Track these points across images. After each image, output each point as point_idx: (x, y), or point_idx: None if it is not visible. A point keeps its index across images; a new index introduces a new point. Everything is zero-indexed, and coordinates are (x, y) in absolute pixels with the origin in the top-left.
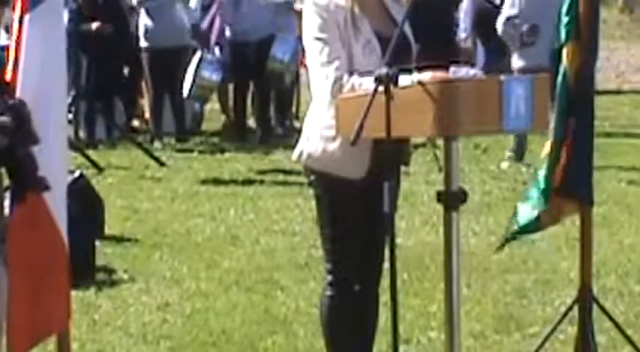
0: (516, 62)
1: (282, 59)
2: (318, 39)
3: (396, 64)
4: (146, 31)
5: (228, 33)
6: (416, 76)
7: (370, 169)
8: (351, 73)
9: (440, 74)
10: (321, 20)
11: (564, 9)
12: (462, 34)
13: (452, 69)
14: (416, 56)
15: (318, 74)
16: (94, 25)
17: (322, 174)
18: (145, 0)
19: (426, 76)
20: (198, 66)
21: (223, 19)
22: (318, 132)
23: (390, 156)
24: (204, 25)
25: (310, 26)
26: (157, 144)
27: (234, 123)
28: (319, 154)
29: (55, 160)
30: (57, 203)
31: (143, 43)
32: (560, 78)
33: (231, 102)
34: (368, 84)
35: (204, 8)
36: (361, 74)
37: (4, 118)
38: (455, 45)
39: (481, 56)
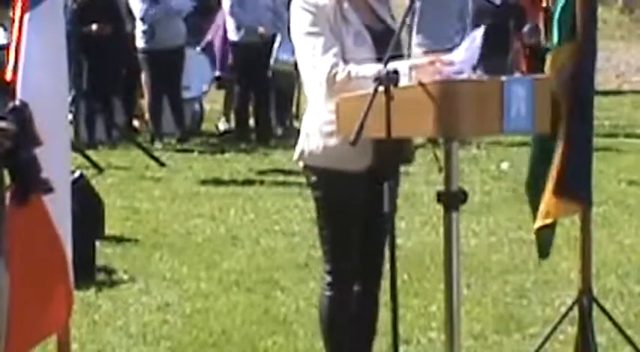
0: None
1: (288, 60)
2: (311, 33)
3: (387, 54)
4: (143, 32)
5: (230, 33)
6: (412, 61)
7: (373, 161)
8: (345, 63)
9: (435, 60)
10: (312, 16)
11: (558, 11)
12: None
13: (450, 67)
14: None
15: (314, 66)
16: (94, 26)
17: (324, 172)
18: (147, 15)
19: (422, 60)
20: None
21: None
22: (317, 129)
23: (391, 151)
24: (217, 42)
25: (301, 23)
26: (157, 144)
27: (235, 122)
28: (320, 151)
29: (57, 161)
30: (60, 204)
31: (140, 44)
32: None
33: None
34: (364, 71)
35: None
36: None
37: (6, 123)
38: (454, 44)
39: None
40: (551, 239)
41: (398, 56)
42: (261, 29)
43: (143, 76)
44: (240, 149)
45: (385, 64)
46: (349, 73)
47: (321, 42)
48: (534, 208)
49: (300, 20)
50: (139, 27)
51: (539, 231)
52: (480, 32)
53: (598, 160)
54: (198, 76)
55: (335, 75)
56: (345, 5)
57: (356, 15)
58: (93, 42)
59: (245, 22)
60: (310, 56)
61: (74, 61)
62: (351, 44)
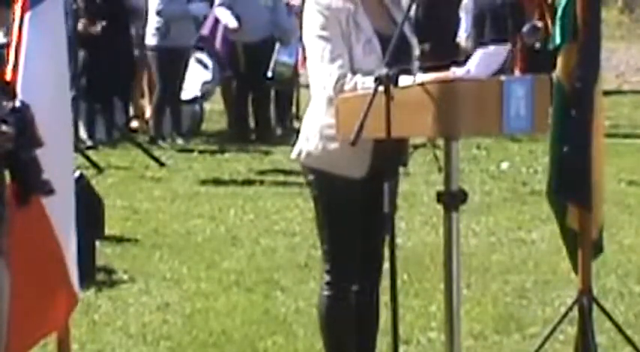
0: None
1: (289, 62)
2: (321, 37)
3: (396, 64)
4: (156, 29)
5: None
6: (419, 77)
7: (371, 168)
8: (353, 72)
9: (442, 78)
10: (324, 19)
11: (559, 11)
12: (462, 34)
13: (452, 69)
14: (422, 57)
15: (321, 71)
16: (90, 25)
17: (321, 174)
18: (165, 10)
19: (429, 77)
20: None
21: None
22: (317, 131)
23: (390, 155)
24: (205, 31)
25: (312, 25)
26: (159, 142)
27: (234, 123)
28: (319, 153)
29: (59, 162)
30: (61, 204)
31: (151, 42)
32: (555, 80)
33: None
34: (370, 83)
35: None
36: (364, 74)
37: (6, 126)
38: (456, 45)
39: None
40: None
41: (407, 70)
42: (234, 22)
43: (154, 74)
44: (240, 149)
45: (387, 65)
46: (356, 84)
47: (329, 47)
48: (557, 214)
49: (311, 22)
50: (153, 23)
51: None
52: (500, 49)
53: None
54: (196, 77)
55: (342, 86)
56: (359, 8)
57: (368, 20)
58: (93, 41)
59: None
60: (318, 60)
61: (74, 61)
62: (359, 52)
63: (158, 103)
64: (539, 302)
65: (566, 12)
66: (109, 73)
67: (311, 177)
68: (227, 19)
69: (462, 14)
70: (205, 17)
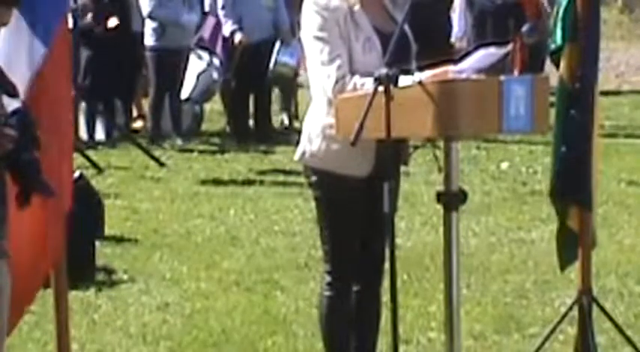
0: None
1: (290, 63)
2: (319, 38)
3: (396, 63)
4: (153, 30)
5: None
6: (417, 76)
7: (375, 166)
8: (352, 73)
9: (441, 73)
10: (322, 19)
11: (561, 12)
12: (457, 34)
13: (451, 67)
14: (414, 56)
15: (320, 73)
16: (86, 23)
17: (325, 174)
18: (155, 14)
19: (426, 74)
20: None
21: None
22: (320, 132)
23: (390, 155)
24: (206, 34)
25: (310, 25)
26: (160, 142)
27: (234, 123)
28: (323, 153)
29: None
30: None
31: (149, 42)
32: (558, 80)
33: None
34: (370, 84)
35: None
36: (362, 75)
37: (8, 128)
38: (449, 44)
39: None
40: (574, 251)
41: (407, 70)
42: (239, 36)
43: (149, 75)
44: (240, 149)
45: (387, 65)
46: (355, 85)
47: (328, 49)
48: (558, 213)
49: (310, 23)
50: (149, 24)
51: (563, 239)
52: (501, 50)
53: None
54: (193, 71)
55: (342, 87)
56: (357, 7)
57: (367, 18)
58: (97, 41)
59: (238, 22)
60: (317, 61)
61: (74, 61)
62: (359, 51)
63: (154, 103)
64: (539, 302)
65: (567, 12)
66: (112, 73)
67: (314, 178)
68: (233, 32)
69: (453, 15)
70: (198, 26)
